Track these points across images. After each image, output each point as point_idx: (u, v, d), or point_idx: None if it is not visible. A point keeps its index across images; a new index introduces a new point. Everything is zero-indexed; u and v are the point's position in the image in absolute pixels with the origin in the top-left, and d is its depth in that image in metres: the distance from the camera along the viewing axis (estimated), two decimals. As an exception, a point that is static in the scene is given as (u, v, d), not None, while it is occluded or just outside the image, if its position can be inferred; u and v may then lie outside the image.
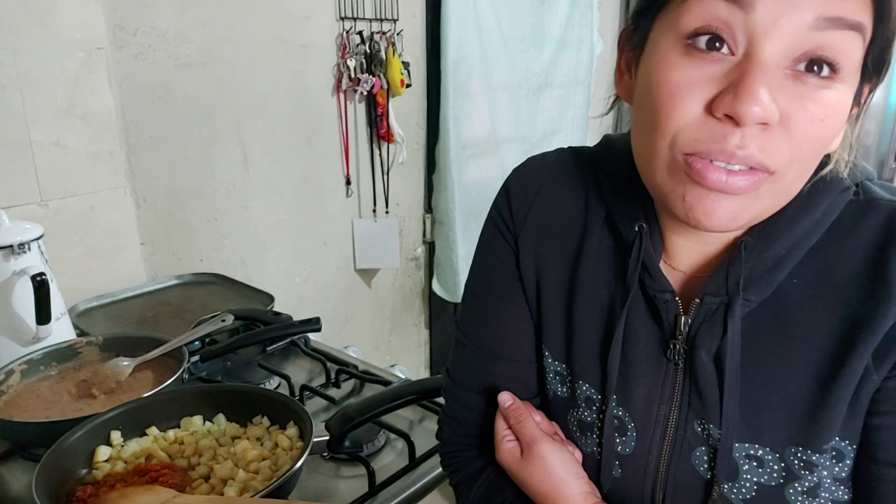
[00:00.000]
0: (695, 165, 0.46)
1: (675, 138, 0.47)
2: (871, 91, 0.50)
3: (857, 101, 0.49)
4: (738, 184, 0.45)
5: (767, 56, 0.43)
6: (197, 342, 1.15)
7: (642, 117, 0.50)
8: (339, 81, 1.72)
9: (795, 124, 0.44)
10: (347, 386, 1.15)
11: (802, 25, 0.42)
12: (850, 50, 0.43)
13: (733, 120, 0.44)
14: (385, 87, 1.76)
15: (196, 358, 1.12)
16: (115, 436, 0.86)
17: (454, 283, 2.07)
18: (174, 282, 1.47)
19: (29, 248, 1.03)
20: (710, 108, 0.45)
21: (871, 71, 0.46)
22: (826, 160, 0.51)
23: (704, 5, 0.45)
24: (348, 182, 1.84)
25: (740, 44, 0.44)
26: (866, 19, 0.43)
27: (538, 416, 0.63)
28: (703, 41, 0.45)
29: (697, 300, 0.53)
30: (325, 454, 0.93)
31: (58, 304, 1.08)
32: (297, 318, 1.22)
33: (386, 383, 1.11)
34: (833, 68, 0.44)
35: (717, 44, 0.45)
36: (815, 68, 0.44)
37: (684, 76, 0.46)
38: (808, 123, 0.44)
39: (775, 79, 0.43)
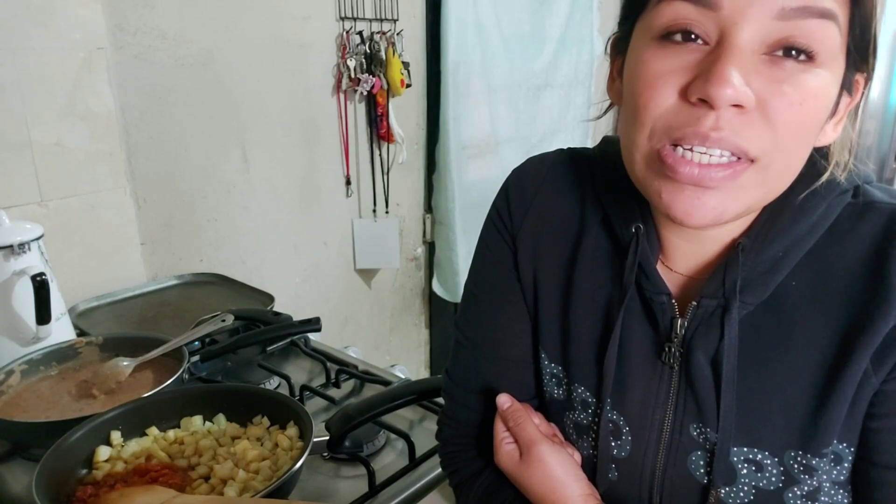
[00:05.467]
0: (667, 160, 0.46)
1: (653, 128, 0.47)
2: (867, 82, 0.49)
3: (849, 89, 0.49)
4: (712, 175, 0.45)
5: (740, 42, 0.44)
6: (197, 342, 1.15)
7: (625, 114, 0.51)
8: (339, 81, 1.72)
9: (773, 109, 0.44)
10: (347, 386, 1.15)
11: (769, 16, 0.43)
12: (824, 36, 0.43)
13: (707, 104, 0.44)
14: (385, 87, 1.76)
15: (196, 358, 1.12)
16: (115, 436, 0.86)
17: (454, 283, 2.07)
18: (174, 282, 1.47)
19: (29, 248, 1.03)
20: (684, 95, 0.45)
21: (856, 55, 0.46)
22: (825, 166, 0.51)
23: (673, 8, 0.46)
24: (348, 182, 1.84)
25: (712, 34, 0.45)
26: (838, 4, 0.43)
27: (537, 418, 0.63)
28: (678, 35, 0.46)
29: (694, 303, 0.53)
30: (325, 454, 0.93)
31: (58, 304, 1.08)
32: (297, 318, 1.22)
33: (386, 383, 1.11)
34: (809, 54, 0.44)
35: (692, 35, 0.45)
36: (793, 53, 0.44)
37: (659, 66, 0.46)
38: (786, 107, 0.44)
39: (749, 63, 0.44)
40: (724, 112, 0.44)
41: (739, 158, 0.46)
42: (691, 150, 0.46)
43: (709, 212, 0.46)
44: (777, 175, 0.48)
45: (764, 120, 0.44)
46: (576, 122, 2.43)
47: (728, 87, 0.43)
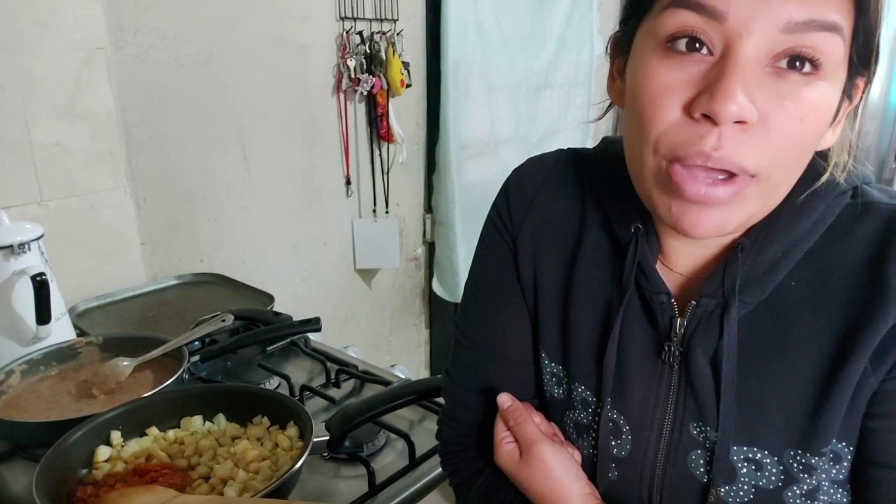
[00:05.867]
0: (675, 177, 0.46)
1: (658, 144, 0.47)
2: (867, 86, 0.49)
3: (849, 96, 0.49)
4: (717, 195, 0.45)
5: (745, 55, 0.43)
6: (197, 342, 1.15)
7: (630, 123, 0.51)
8: (339, 81, 1.72)
9: (773, 124, 0.44)
10: (347, 386, 1.15)
11: (776, 29, 0.43)
12: (829, 49, 0.43)
13: (711, 120, 0.44)
14: (385, 87, 1.76)
15: (196, 358, 1.12)
16: (115, 436, 0.86)
17: (454, 283, 2.07)
18: (174, 282, 1.47)
19: (29, 248, 1.03)
20: (688, 110, 0.45)
21: (858, 64, 0.46)
22: (824, 167, 0.51)
23: (679, 17, 0.45)
24: (348, 182, 1.84)
25: (718, 45, 0.45)
26: (843, 16, 0.43)
27: (537, 418, 0.63)
28: (682, 43, 0.46)
29: (693, 302, 0.53)
30: (325, 454, 0.93)
31: (58, 304, 1.08)
32: (297, 318, 1.22)
33: (386, 383, 1.11)
34: (814, 64, 0.44)
35: (697, 45, 0.45)
36: (798, 64, 0.44)
37: (664, 79, 0.46)
38: (785, 123, 0.44)
39: (754, 77, 0.44)
40: (727, 129, 0.44)
41: (738, 175, 0.46)
42: (693, 164, 0.46)
43: (713, 223, 0.47)
44: (776, 186, 0.48)
45: (764, 135, 0.44)
46: (576, 123, 2.43)
47: (732, 104, 0.43)
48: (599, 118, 0.63)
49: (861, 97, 0.50)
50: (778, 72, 0.44)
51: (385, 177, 1.92)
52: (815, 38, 0.43)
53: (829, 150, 0.51)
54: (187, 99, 1.45)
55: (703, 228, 0.47)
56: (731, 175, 0.45)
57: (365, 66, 1.72)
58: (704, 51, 0.45)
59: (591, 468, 0.60)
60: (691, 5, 0.44)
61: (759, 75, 0.44)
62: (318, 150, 1.75)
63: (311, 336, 1.28)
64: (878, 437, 0.50)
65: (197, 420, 0.91)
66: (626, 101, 0.52)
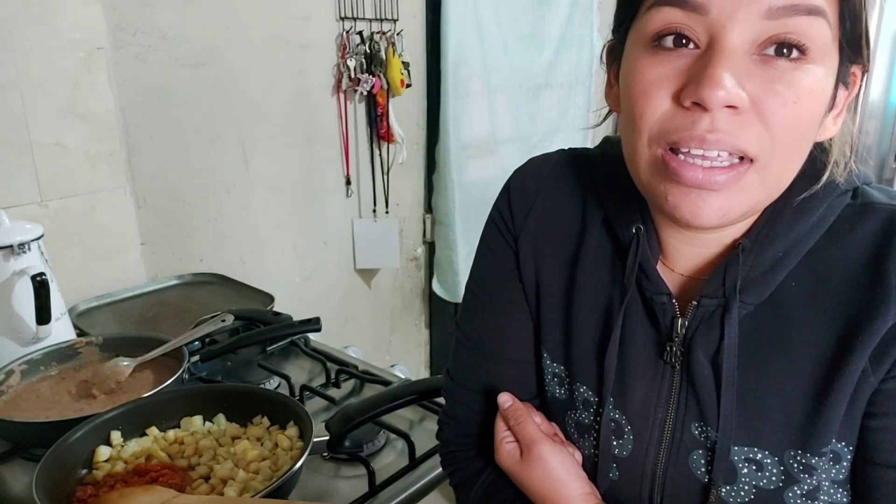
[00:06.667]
0: (671, 164, 0.47)
1: (650, 135, 0.48)
2: (864, 75, 0.50)
3: (845, 83, 0.49)
4: (716, 179, 0.46)
5: (730, 43, 0.44)
6: (197, 342, 1.15)
7: (624, 121, 0.51)
8: (339, 81, 1.72)
9: (768, 108, 0.44)
10: (347, 386, 1.15)
11: (757, 16, 0.43)
12: (814, 33, 0.44)
13: (701, 107, 0.44)
14: (385, 87, 1.76)
15: (196, 358, 1.12)
16: (115, 436, 0.86)
17: (454, 283, 2.07)
18: (174, 282, 1.47)
19: (29, 248, 1.04)
20: (678, 100, 0.46)
21: (849, 50, 0.47)
22: (825, 164, 0.51)
23: (663, 14, 0.46)
24: (348, 182, 1.84)
25: (703, 38, 0.45)
26: (826, 1, 0.43)
27: (538, 418, 0.63)
28: (669, 40, 0.46)
29: (694, 302, 0.53)
30: (325, 454, 0.93)
31: (58, 304, 1.08)
32: (297, 318, 1.22)
33: (386, 383, 1.11)
34: (801, 50, 0.44)
35: (683, 41, 0.46)
36: (785, 51, 0.44)
37: (653, 73, 0.47)
38: (780, 106, 0.44)
39: (741, 64, 0.44)
40: (719, 114, 0.44)
41: (742, 159, 0.46)
42: (689, 153, 0.46)
43: (714, 212, 0.47)
44: (778, 174, 0.48)
45: (760, 120, 0.45)
46: (576, 123, 2.43)
47: (720, 90, 0.43)
48: (598, 124, 0.63)
49: (859, 87, 0.50)
50: (766, 59, 0.44)
51: (385, 177, 1.92)
52: (798, 23, 0.43)
53: (830, 145, 0.51)
54: (187, 99, 1.45)
55: (705, 216, 0.47)
56: (730, 160, 0.46)
57: (365, 66, 1.72)
58: (691, 45, 0.46)
59: (592, 468, 0.60)
60: (673, 1, 0.45)
61: (746, 63, 0.44)
62: (318, 150, 1.75)
63: (311, 336, 1.28)
64: (878, 436, 0.50)
65: (197, 420, 0.91)
66: (621, 102, 0.52)
